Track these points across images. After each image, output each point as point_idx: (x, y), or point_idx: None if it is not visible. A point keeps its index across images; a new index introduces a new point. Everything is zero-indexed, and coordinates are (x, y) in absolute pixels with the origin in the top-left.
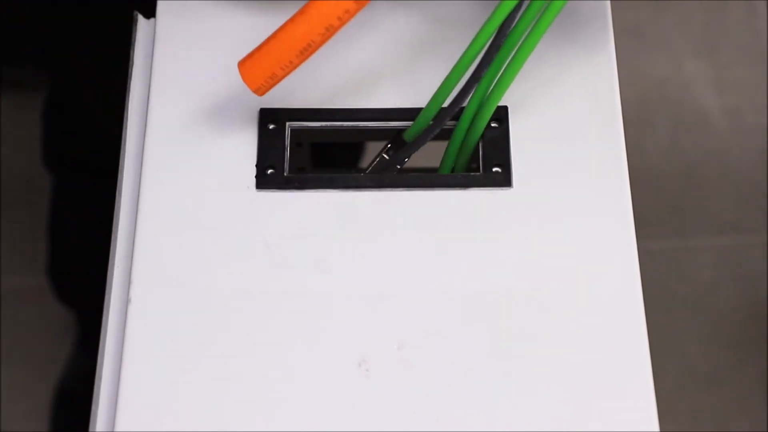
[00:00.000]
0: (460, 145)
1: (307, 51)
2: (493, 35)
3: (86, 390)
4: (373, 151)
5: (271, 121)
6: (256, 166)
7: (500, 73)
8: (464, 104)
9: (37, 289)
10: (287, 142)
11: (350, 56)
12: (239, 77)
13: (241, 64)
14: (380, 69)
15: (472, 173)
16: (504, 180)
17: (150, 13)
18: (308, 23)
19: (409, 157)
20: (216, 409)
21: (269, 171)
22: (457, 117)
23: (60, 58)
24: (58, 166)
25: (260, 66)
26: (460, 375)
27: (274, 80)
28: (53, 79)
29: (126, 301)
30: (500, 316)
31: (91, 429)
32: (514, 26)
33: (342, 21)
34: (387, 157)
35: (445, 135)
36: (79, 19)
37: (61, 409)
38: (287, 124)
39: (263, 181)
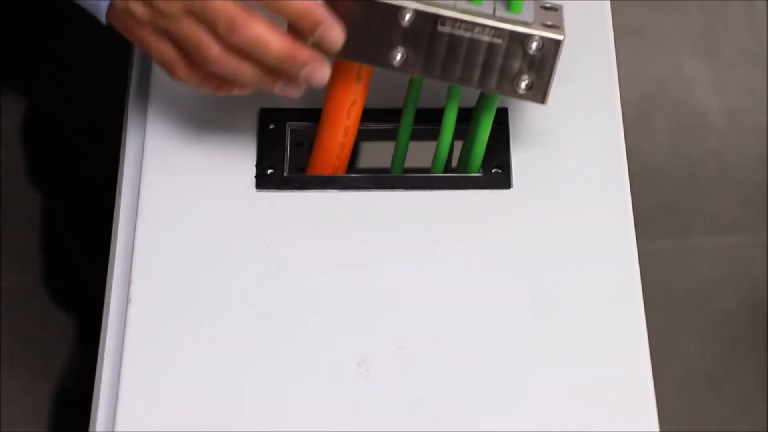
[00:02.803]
0: (450, 145)
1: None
2: None
3: (85, 391)
4: (366, 151)
5: (271, 121)
6: (256, 166)
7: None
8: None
9: (36, 290)
10: (287, 142)
11: None
12: None
13: None
14: (379, 70)
15: (472, 174)
16: (504, 181)
17: None
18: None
19: None
20: (215, 409)
21: (269, 171)
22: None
23: (32, 79)
24: (42, 184)
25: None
26: (459, 375)
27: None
28: (27, 100)
29: (126, 301)
30: (500, 317)
31: (91, 429)
32: None
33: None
34: None
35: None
36: (50, 39)
37: (60, 411)
38: (287, 124)
39: (263, 182)
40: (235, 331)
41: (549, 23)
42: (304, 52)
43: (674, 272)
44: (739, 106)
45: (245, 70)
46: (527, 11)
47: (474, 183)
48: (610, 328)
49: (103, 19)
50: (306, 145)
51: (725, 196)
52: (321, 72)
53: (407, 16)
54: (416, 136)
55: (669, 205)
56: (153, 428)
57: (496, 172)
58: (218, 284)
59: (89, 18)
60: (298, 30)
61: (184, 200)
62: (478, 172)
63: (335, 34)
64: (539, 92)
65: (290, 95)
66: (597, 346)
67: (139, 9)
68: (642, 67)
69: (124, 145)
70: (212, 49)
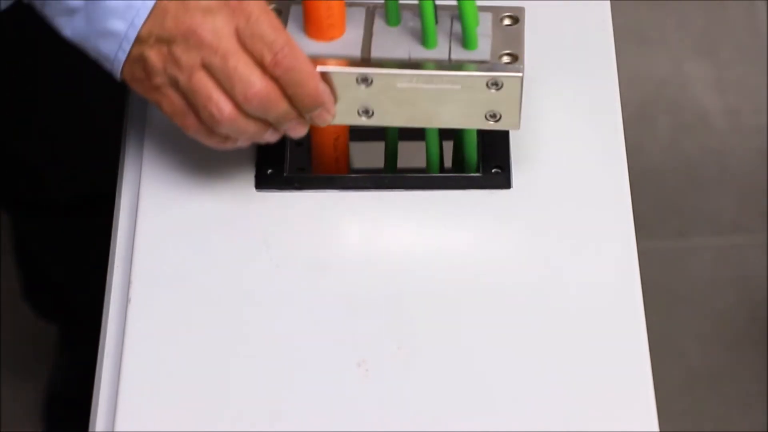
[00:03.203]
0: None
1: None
2: None
3: (74, 396)
4: (365, 151)
5: None
6: (256, 166)
7: None
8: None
9: None
10: (287, 142)
11: None
12: None
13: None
14: None
15: (471, 174)
16: (503, 181)
17: None
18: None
19: None
20: (215, 409)
21: (269, 171)
22: None
23: None
24: (7, 206)
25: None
26: (459, 375)
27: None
28: None
29: (125, 301)
30: (499, 317)
31: (91, 429)
32: None
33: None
34: None
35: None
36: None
37: (52, 416)
38: None
39: (263, 181)
40: (234, 331)
41: (507, 52)
42: (295, 114)
43: (674, 272)
44: (739, 106)
45: (249, 128)
46: (484, 42)
47: (474, 183)
48: (610, 328)
49: (118, 75)
50: (306, 145)
51: (725, 196)
52: (305, 129)
53: (365, 81)
54: (407, 136)
55: (669, 205)
56: (153, 428)
57: (495, 172)
58: (218, 284)
59: (45, 44)
60: (296, 103)
61: (184, 200)
62: (478, 172)
63: (327, 117)
64: (510, 121)
65: (272, 141)
66: (597, 346)
67: (154, 56)
68: (642, 67)
69: (124, 145)
70: (224, 110)
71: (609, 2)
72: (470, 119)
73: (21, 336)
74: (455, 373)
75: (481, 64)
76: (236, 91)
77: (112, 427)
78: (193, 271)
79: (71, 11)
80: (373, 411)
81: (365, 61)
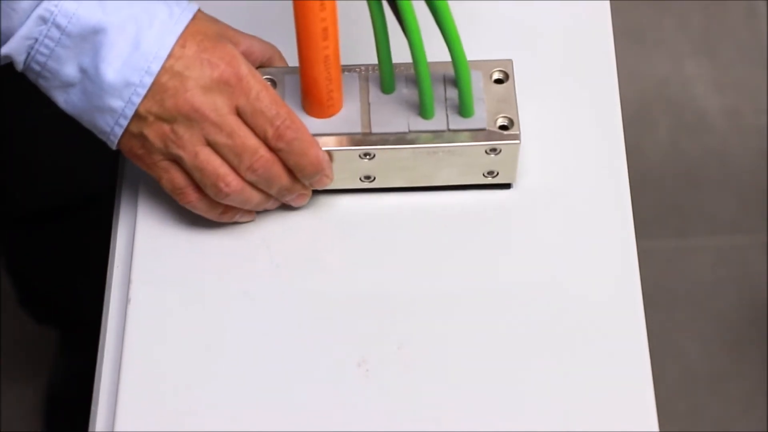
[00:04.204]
0: None
1: (328, 60)
2: None
3: (74, 396)
4: None
5: None
6: None
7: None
8: None
9: None
10: None
11: (350, 58)
12: None
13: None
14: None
15: None
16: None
17: None
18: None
19: None
20: (215, 409)
21: None
22: None
23: None
24: None
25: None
26: (459, 375)
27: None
28: None
29: (125, 301)
30: (500, 317)
31: (90, 429)
32: None
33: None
34: None
35: None
36: None
37: (52, 415)
38: None
39: None
40: (234, 331)
41: (503, 115)
42: (299, 186)
43: (674, 272)
44: (739, 106)
45: (253, 198)
46: (479, 107)
47: (474, 183)
48: (609, 328)
49: (113, 147)
50: None
51: (725, 196)
52: (306, 200)
53: (367, 155)
54: None
55: (669, 205)
56: (153, 428)
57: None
58: (218, 284)
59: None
60: (298, 171)
61: None
62: None
63: (327, 181)
64: (506, 176)
65: (271, 208)
66: (597, 346)
67: (153, 134)
68: (642, 67)
69: None
70: (231, 184)
71: (609, 2)
72: (468, 177)
73: (21, 337)
74: (455, 373)
75: (479, 132)
76: (243, 164)
77: (112, 427)
78: (193, 271)
79: (67, 85)
80: (373, 411)
81: (366, 135)
